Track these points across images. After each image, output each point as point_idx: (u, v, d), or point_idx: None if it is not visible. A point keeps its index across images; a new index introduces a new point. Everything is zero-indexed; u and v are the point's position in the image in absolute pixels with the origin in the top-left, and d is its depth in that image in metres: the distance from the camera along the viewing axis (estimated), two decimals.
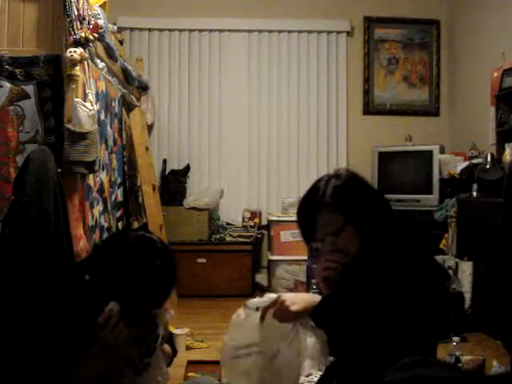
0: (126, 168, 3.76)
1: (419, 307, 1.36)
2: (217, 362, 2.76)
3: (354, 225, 1.48)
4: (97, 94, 2.76)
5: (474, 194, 3.81)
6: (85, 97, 2.54)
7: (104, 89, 2.97)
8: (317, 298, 1.48)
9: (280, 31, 5.17)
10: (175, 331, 3.01)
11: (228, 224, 4.98)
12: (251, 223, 4.91)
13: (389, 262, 1.43)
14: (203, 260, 4.64)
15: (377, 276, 1.45)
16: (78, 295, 1.56)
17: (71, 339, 1.49)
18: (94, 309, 1.50)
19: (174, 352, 1.82)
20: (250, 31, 5.15)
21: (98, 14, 2.72)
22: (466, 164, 4.12)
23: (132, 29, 5.07)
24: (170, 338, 1.83)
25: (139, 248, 1.51)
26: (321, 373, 1.54)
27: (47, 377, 1.47)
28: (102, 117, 2.93)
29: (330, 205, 1.50)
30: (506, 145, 3.72)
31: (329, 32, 5.19)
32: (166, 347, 1.73)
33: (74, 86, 2.44)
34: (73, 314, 1.52)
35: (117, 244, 1.59)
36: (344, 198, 1.50)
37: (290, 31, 5.17)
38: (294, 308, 1.46)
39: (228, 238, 4.81)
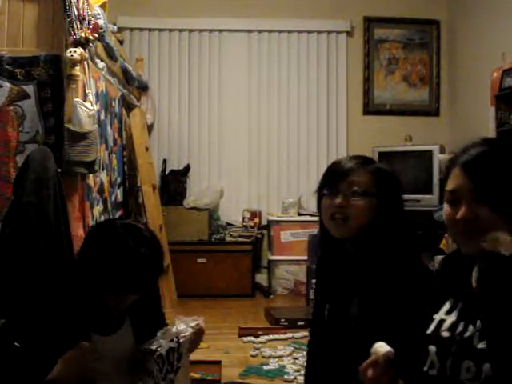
0: (125, 168, 3.77)
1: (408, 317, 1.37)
2: (217, 362, 2.77)
3: (378, 203, 1.50)
4: (97, 94, 2.76)
5: None
6: (85, 97, 2.54)
7: (104, 89, 2.97)
8: None
9: (280, 31, 5.16)
10: None
11: (228, 224, 4.98)
12: (251, 223, 4.91)
13: (387, 263, 1.44)
14: (203, 260, 4.64)
15: (365, 277, 1.46)
16: (76, 294, 1.56)
17: (66, 338, 1.49)
18: (83, 297, 1.54)
19: None
20: (249, 31, 5.15)
21: (98, 14, 2.73)
22: None
23: (132, 29, 5.07)
24: None
25: (126, 236, 1.54)
26: None
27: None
28: (102, 117, 2.93)
29: (373, 171, 1.53)
30: None
31: (329, 32, 5.19)
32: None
33: (74, 86, 2.44)
34: (71, 314, 1.52)
35: (104, 231, 1.63)
36: (386, 179, 1.55)
37: (289, 31, 5.16)
38: None
39: (228, 238, 4.81)
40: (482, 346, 1.03)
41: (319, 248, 1.68)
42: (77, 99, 2.44)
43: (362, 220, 1.49)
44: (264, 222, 5.02)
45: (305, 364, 2.77)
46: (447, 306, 1.16)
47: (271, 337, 3.33)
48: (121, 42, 3.87)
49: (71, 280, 1.60)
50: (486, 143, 1.13)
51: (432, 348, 1.14)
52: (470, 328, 1.08)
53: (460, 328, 1.10)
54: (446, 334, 1.12)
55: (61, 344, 1.48)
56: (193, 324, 1.67)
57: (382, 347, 1.18)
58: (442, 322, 1.14)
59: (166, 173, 4.95)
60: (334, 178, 1.54)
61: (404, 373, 1.19)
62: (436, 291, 1.22)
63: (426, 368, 1.14)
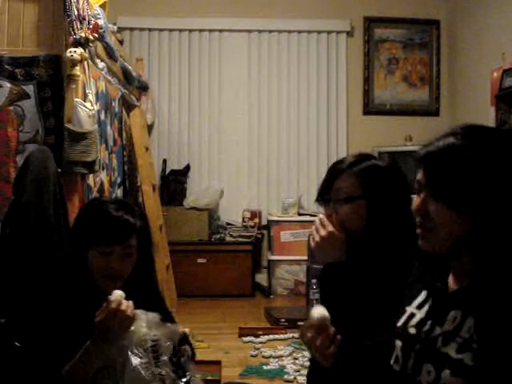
0: (126, 168, 3.77)
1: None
2: (217, 362, 2.77)
3: (368, 204, 1.47)
4: (97, 94, 2.76)
5: None
6: (85, 97, 2.54)
7: (104, 89, 2.97)
8: None
9: (280, 31, 5.16)
10: None
11: (228, 224, 4.98)
12: (251, 223, 4.91)
13: (389, 257, 1.43)
14: (203, 260, 4.63)
15: (375, 267, 1.45)
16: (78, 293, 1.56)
17: (69, 337, 1.48)
18: (83, 292, 1.56)
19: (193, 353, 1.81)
20: (250, 31, 5.15)
21: (98, 14, 2.73)
22: None
23: (132, 29, 5.07)
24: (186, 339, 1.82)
25: (105, 199, 1.75)
26: None
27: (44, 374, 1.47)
28: (102, 117, 2.93)
29: (356, 173, 1.50)
30: None
31: (329, 32, 5.19)
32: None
33: (73, 86, 2.44)
34: (72, 314, 1.52)
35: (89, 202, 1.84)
36: (375, 177, 1.50)
37: (289, 31, 5.16)
38: None
39: (228, 238, 4.81)
40: (444, 350, 0.99)
41: None
42: (77, 99, 2.44)
43: (350, 225, 1.48)
44: (264, 222, 5.02)
45: (305, 364, 2.79)
46: (420, 298, 1.13)
47: (271, 337, 3.33)
48: (121, 42, 3.87)
49: (71, 279, 1.60)
50: (452, 135, 1.12)
51: (398, 342, 1.12)
52: (437, 329, 1.04)
53: (427, 327, 1.06)
54: (412, 330, 1.09)
55: (63, 342, 1.48)
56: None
57: (317, 313, 1.23)
58: (412, 316, 1.12)
59: (166, 173, 4.95)
60: (324, 186, 1.55)
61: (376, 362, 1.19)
62: (414, 280, 1.19)
63: (392, 361, 1.13)
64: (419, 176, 1.08)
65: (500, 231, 0.99)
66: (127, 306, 1.45)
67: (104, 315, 1.43)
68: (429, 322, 1.06)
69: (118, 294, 1.46)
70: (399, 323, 1.14)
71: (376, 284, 1.43)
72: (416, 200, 1.08)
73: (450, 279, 1.09)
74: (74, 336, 1.49)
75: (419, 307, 1.11)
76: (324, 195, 1.54)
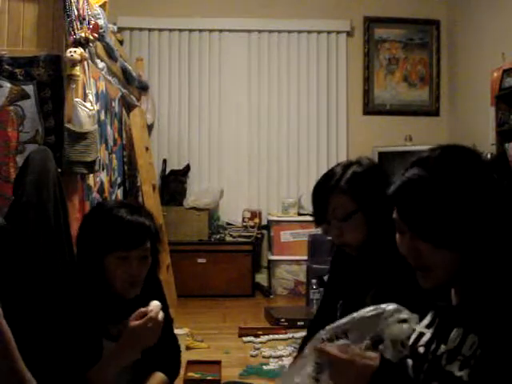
0: (126, 168, 3.77)
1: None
2: (217, 362, 2.77)
3: (365, 213, 1.48)
4: (97, 94, 2.76)
5: None
6: (85, 97, 2.54)
7: (104, 89, 2.97)
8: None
9: (280, 31, 5.16)
10: (175, 331, 3.00)
11: (228, 224, 4.98)
12: (251, 223, 4.91)
13: (392, 260, 1.43)
14: (203, 260, 4.63)
15: (379, 271, 1.45)
16: (79, 294, 1.56)
17: (77, 339, 1.48)
18: (89, 294, 1.53)
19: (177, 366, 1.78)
20: (249, 31, 5.15)
21: (98, 14, 2.73)
22: None
23: (132, 29, 5.07)
24: (177, 350, 1.80)
25: (112, 203, 1.69)
26: None
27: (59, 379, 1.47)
28: (102, 117, 2.93)
29: (344, 189, 1.51)
30: (506, 145, 3.71)
31: (329, 32, 5.19)
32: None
33: (74, 86, 2.44)
34: (74, 313, 1.51)
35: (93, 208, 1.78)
36: (360, 185, 1.51)
37: (289, 31, 5.17)
38: None
39: (228, 238, 4.81)
40: (448, 368, 0.99)
41: (334, 247, 1.69)
42: (77, 99, 2.44)
43: (358, 238, 1.51)
44: (264, 222, 5.01)
45: None
46: (428, 318, 1.12)
47: (271, 337, 3.33)
48: (121, 42, 3.88)
49: (73, 279, 1.60)
50: (419, 165, 1.07)
51: (409, 362, 1.10)
52: (442, 347, 1.02)
53: (434, 346, 1.05)
54: (421, 349, 1.08)
55: (71, 347, 1.47)
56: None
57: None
58: (421, 335, 1.10)
59: (166, 173, 4.95)
60: (319, 210, 1.56)
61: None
62: (422, 299, 1.17)
63: None
64: (395, 215, 1.04)
65: (491, 256, 0.97)
66: (162, 317, 1.47)
67: (141, 322, 1.43)
68: (435, 341, 1.06)
69: (157, 305, 1.48)
70: (409, 342, 1.12)
71: (388, 292, 1.43)
72: (401, 240, 1.04)
73: (452, 294, 1.08)
74: (88, 338, 1.49)
75: (428, 327, 1.11)
76: (322, 219, 1.55)
